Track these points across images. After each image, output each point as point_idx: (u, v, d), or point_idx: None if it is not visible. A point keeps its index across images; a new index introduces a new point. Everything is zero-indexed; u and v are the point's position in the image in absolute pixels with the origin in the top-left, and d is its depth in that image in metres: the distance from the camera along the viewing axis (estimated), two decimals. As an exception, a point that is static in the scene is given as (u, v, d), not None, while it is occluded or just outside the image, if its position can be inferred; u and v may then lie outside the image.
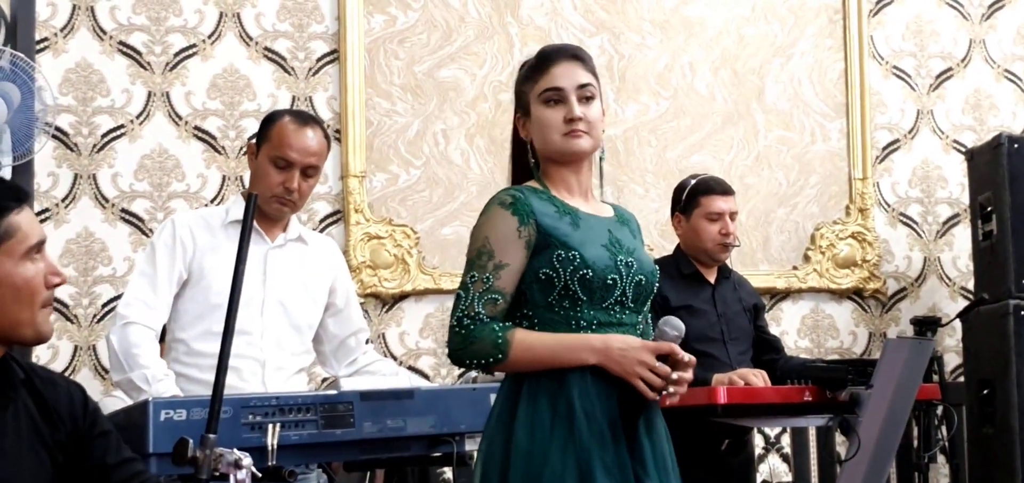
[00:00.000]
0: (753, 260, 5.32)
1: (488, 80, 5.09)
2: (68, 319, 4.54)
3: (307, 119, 3.23)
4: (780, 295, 5.40)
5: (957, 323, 5.35)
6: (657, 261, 4.16)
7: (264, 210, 3.16)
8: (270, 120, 3.22)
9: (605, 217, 2.51)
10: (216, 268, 3.12)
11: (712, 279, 3.94)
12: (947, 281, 5.63)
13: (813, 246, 5.44)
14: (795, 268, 5.42)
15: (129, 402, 2.93)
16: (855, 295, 5.50)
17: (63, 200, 4.57)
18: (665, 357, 2.34)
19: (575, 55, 2.51)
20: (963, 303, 5.56)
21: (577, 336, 2.35)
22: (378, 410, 2.71)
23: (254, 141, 3.24)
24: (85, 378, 4.47)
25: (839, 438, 4.91)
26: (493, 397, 2.55)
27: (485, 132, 5.06)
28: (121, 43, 4.69)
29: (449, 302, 4.87)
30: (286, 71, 4.86)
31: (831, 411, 3.34)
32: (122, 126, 4.67)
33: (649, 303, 2.51)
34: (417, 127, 5.00)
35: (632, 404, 2.35)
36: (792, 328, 5.41)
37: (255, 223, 3.17)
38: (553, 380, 2.35)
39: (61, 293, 4.47)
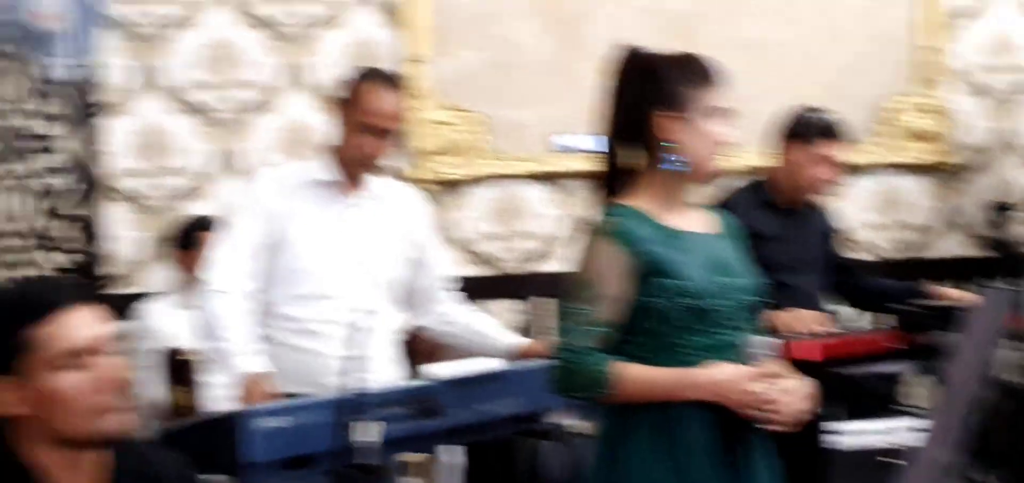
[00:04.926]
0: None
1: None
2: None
3: (391, 80, 3.18)
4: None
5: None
6: (743, 189, 4.01)
7: (344, 168, 3.17)
8: (353, 80, 3.19)
9: (705, 233, 2.43)
10: (298, 231, 3.12)
11: (799, 208, 3.89)
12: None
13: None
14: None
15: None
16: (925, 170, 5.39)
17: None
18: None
19: None
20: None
21: (682, 374, 2.30)
22: (466, 396, 2.75)
23: (337, 97, 3.22)
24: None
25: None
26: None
27: (552, 12, 4.93)
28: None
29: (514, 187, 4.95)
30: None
31: (918, 357, 3.37)
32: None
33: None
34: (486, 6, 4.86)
35: (737, 430, 2.33)
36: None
37: (334, 179, 3.18)
38: (659, 413, 2.32)
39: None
